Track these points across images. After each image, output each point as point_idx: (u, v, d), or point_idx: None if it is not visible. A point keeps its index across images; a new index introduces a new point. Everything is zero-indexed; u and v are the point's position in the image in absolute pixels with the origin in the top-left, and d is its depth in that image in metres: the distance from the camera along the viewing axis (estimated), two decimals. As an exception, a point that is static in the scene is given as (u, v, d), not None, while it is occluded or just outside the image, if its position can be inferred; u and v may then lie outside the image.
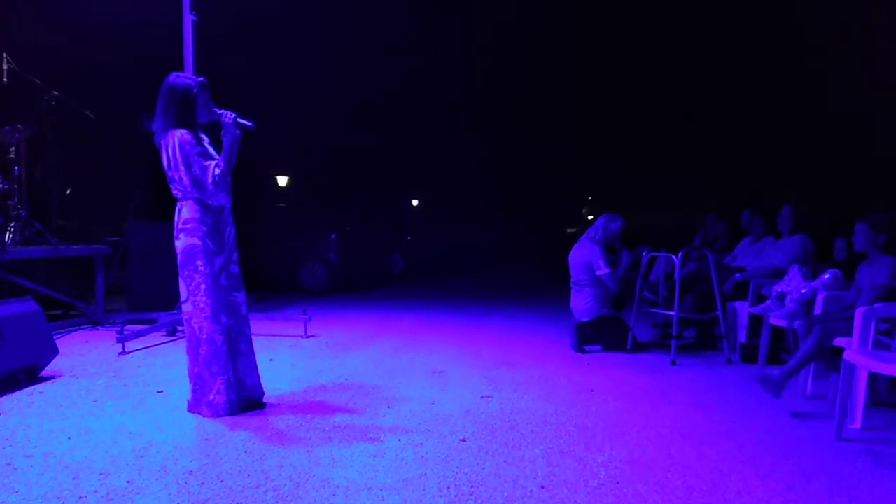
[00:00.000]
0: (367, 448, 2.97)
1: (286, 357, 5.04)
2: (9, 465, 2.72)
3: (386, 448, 2.98)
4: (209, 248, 3.38)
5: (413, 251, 13.31)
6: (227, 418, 3.36)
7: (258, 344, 3.91)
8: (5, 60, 6.10)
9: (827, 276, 4.15)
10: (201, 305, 3.38)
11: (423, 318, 7.40)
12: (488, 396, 3.92)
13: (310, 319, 6.06)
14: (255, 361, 3.64)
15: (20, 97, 6.27)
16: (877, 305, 3.32)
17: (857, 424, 3.39)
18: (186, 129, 3.36)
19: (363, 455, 2.89)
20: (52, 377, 4.23)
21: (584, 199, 30.64)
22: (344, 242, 10.30)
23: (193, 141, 3.34)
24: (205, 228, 3.36)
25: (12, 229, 5.88)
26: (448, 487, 2.55)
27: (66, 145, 6.58)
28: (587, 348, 5.46)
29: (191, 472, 2.65)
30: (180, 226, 3.39)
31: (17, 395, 3.81)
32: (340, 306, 8.41)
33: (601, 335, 5.47)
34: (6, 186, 6.00)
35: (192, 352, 3.44)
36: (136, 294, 6.73)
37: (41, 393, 3.87)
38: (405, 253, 12.84)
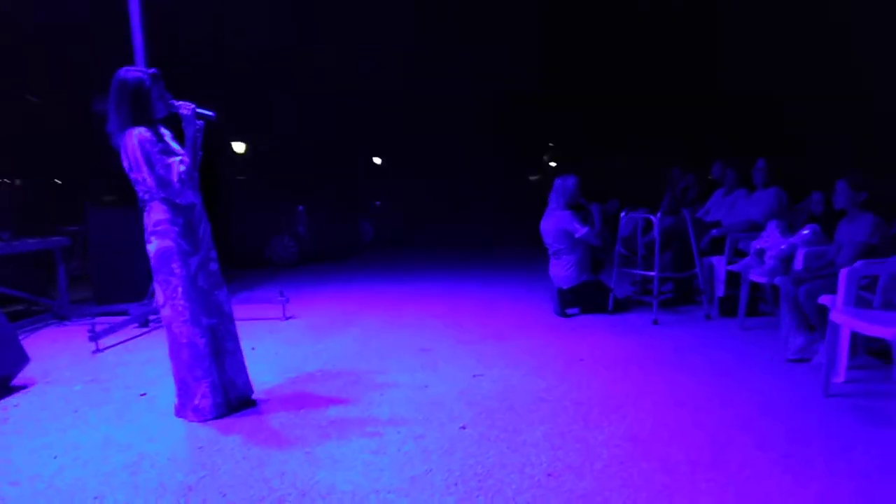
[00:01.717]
0: (367, 444, 2.93)
1: (268, 345, 4.94)
2: (-5, 495, 2.60)
3: (386, 443, 2.94)
4: (183, 248, 3.23)
5: (381, 216, 13.12)
6: (218, 421, 3.27)
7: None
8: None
9: (806, 231, 4.20)
10: (179, 308, 3.25)
11: (399, 290, 7.35)
12: (480, 375, 3.91)
13: (287, 301, 5.94)
14: (242, 358, 3.54)
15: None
16: (858, 264, 3.38)
17: (841, 378, 3.49)
18: (144, 125, 3.15)
19: (364, 452, 2.84)
20: (24, 386, 4.04)
21: (546, 146, 30.43)
22: (312, 213, 10.08)
23: (153, 138, 3.15)
24: (176, 229, 3.21)
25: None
26: (455, 483, 2.53)
27: (11, 134, 6.16)
28: (569, 311, 5.49)
29: (190, 488, 2.57)
30: (150, 228, 3.22)
31: (-10, 410, 3.64)
32: (314, 281, 8.28)
33: (583, 300, 5.50)
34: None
35: (175, 356, 3.32)
36: (100, 285, 6.47)
37: (16, 406, 3.70)
38: (374, 219, 12.65)
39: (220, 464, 2.78)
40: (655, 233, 5.23)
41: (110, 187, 6.79)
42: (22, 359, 4.11)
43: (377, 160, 23.93)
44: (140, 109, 3.16)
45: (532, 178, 30.40)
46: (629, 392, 3.50)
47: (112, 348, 4.98)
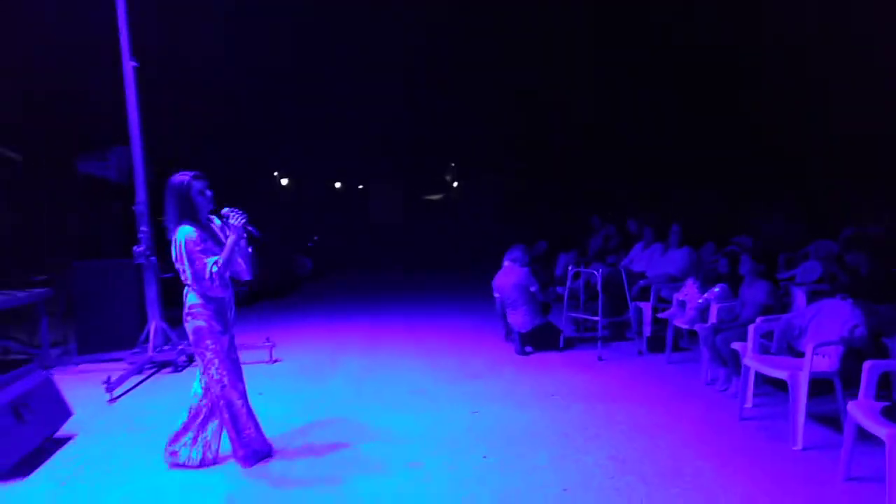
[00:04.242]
0: (412, 474, 3.71)
1: (268, 390, 5.51)
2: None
3: (428, 473, 3.73)
4: (214, 328, 3.74)
5: (319, 250, 13.69)
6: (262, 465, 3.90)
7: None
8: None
9: (717, 289, 5.43)
10: (217, 377, 3.77)
11: (360, 325, 8.08)
12: (476, 412, 4.78)
13: (273, 346, 6.52)
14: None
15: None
16: (758, 321, 4.59)
17: (749, 405, 4.67)
18: (191, 222, 3.65)
19: (412, 482, 3.63)
20: (68, 438, 4.46)
21: (447, 166, 31.27)
22: (262, 250, 10.54)
23: (196, 239, 3.62)
24: (209, 312, 3.72)
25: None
26: (499, 502, 3.39)
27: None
28: (527, 349, 6.49)
29: (292, 517, 3.26)
30: (187, 309, 3.75)
31: (58, 465, 4.06)
32: (275, 320, 8.81)
33: (537, 340, 6.52)
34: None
35: (219, 415, 3.87)
36: (84, 334, 6.73)
37: (76, 457, 4.14)
38: (311, 253, 13.22)
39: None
40: (598, 284, 6.34)
41: (87, 241, 7.08)
42: (65, 413, 4.52)
43: (284, 181, 23.49)
44: (184, 207, 3.66)
45: (431, 197, 31.32)
46: (598, 423, 4.50)
47: (124, 395, 5.39)
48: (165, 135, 6.28)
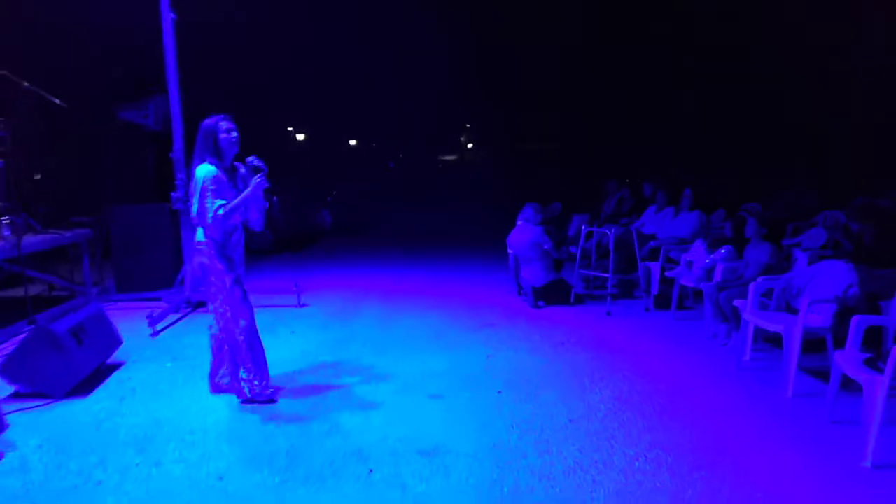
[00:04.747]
0: (438, 403, 4.11)
1: (299, 329, 5.92)
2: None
3: (451, 403, 4.13)
4: (217, 266, 3.88)
5: (338, 204, 14.04)
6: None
7: (265, 316, 4.75)
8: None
9: (723, 250, 5.72)
10: (220, 311, 3.97)
11: (379, 277, 8.45)
12: (492, 355, 5.16)
13: (301, 291, 6.92)
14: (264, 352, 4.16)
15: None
16: (760, 279, 4.89)
17: (747, 357, 5.01)
18: (214, 160, 3.80)
19: (439, 410, 4.02)
20: (118, 365, 4.89)
21: (463, 127, 31.21)
22: (284, 202, 10.90)
23: (212, 178, 3.75)
24: (212, 251, 3.87)
25: (7, 222, 6.13)
26: (513, 426, 3.77)
27: (39, 135, 6.72)
28: (540, 303, 6.83)
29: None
30: (195, 245, 3.94)
31: (113, 386, 4.50)
32: (296, 269, 9.20)
33: (550, 295, 6.86)
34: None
35: (218, 348, 4.15)
36: (122, 275, 7.14)
37: (129, 380, 4.58)
38: (331, 208, 13.57)
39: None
40: (610, 243, 6.63)
41: (124, 188, 7.45)
42: (116, 342, 4.95)
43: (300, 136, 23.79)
44: (211, 145, 3.82)
45: (446, 157, 31.38)
46: (605, 368, 4.86)
47: (164, 331, 5.82)
48: (201, 85, 6.55)
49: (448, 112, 22.93)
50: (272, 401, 4.12)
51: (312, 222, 12.69)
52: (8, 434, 3.63)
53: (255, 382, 4.05)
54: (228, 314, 3.94)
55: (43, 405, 4.10)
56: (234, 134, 3.87)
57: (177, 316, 6.30)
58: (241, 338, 3.97)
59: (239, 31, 11.11)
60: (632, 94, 14.63)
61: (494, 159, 25.46)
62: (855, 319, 3.77)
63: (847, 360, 3.64)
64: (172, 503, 2.99)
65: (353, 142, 26.90)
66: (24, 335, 4.35)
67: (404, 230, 13.48)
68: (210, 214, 3.73)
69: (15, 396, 4.20)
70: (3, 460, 3.39)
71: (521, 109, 20.52)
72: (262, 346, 4.09)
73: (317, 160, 19.89)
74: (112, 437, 3.66)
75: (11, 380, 4.20)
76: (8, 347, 4.68)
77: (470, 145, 32.45)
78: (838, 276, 4.51)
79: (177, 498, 3.02)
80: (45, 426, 3.82)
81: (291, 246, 10.91)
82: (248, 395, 4.07)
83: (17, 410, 3.97)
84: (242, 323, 3.96)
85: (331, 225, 13.35)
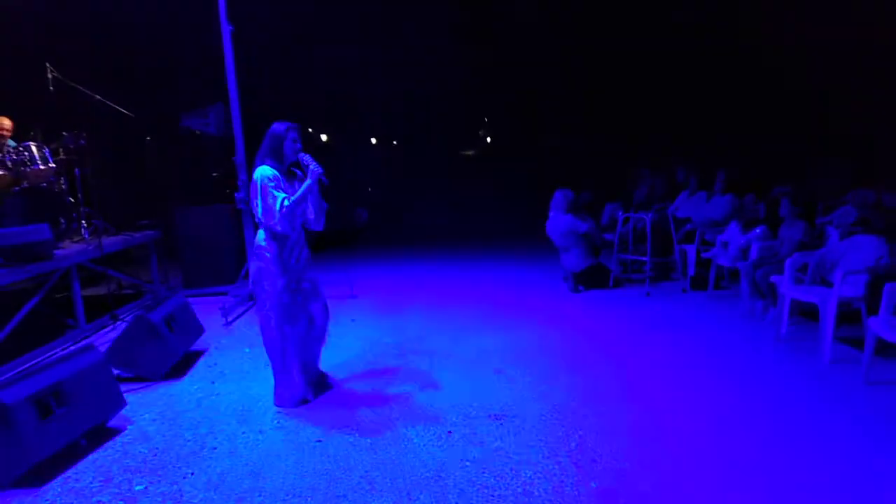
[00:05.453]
0: (497, 379, 4.51)
1: (359, 317, 6.35)
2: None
3: (511, 378, 4.53)
4: (271, 271, 3.95)
5: (374, 202, 14.48)
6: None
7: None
8: (48, 70, 6.64)
9: (758, 230, 6.02)
10: (266, 316, 4.02)
11: (421, 269, 8.85)
12: (541, 334, 5.53)
13: (354, 283, 7.36)
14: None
15: (65, 103, 6.85)
16: (795, 255, 5.19)
17: (784, 330, 5.31)
18: (274, 163, 3.91)
19: (490, 377, 4.42)
20: (202, 351, 5.37)
21: (482, 121, 31.20)
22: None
23: (272, 177, 3.85)
24: (269, 255, 3.94)
25: (85, 226, 6.66)
26: (569, 395, 4.16)
27: (110, 144, 7.25)
28: (580, 288, 7.18)
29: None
30: (254, 249, 4.05)
31: (202, 370, 4.97)
32: (341, 264, 9.66)
33: (590, 280, 7.21)
34: (67, 187, 6.70)
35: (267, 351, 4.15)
36: (189, 272, 7.65)
37: (216, 365, 5.05)
38: (368, 205, 14.01)
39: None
40: (647, 230, 6.95)
41: (186, 192, 7.95)
42: (199, 330, 5.42)
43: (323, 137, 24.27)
44: (274, 150, 3.94)
45: (466, 153, 31.58)
46: (651, 342, 5.21)
47: (236, 321, 6.29)
48: (258, 92, 7.01)
49: (468, 107, 23.11)
50: (306, 401, 4.18)
51: (350, 219, 13.14)
52: (124, 411, 4.10)
53: (280, 391, 4.15)
54: (272, 321, 3.99)
55: (145, 387, 4.58)
56: (299, 144, 4.00)
57: (243, 308, 6.78)
58: (279, 346, 4.02)
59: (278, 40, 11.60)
60: (660, 85, 14.75)
61: (515, 152, 25.68)
62: (889, 287, 4.07)
63: (881, 324, 3.95)
64: (282, 462, 3.42)
65: (373, 140, 27.37)
66: (125, 325, 4.84)
67: (436, 225, 13.85)
68: (277, 207, 3.80)
69: (118, 380, 4.67)
70: (126, 432, 3.87)
71: (541, 100, 20.65)
72: (296, 358, 4.09)
73: (341, 160, 20.39)
74: (214, 412, 4.12)
75: (115, 365, 4.68)
76: (95, 339, 5.17)
77: (489, 139, 32.69)
78: (870, 249, 4.80)
79: (285, 458, 3.45)
80: (152, 404, 4.29)
81: (332, 244, 11.38)
82: (275, 402, 4.16)
83: (125, 392, 4.45)
84: (285, 331, 4.01)
85: (367, 222, 13.80)
